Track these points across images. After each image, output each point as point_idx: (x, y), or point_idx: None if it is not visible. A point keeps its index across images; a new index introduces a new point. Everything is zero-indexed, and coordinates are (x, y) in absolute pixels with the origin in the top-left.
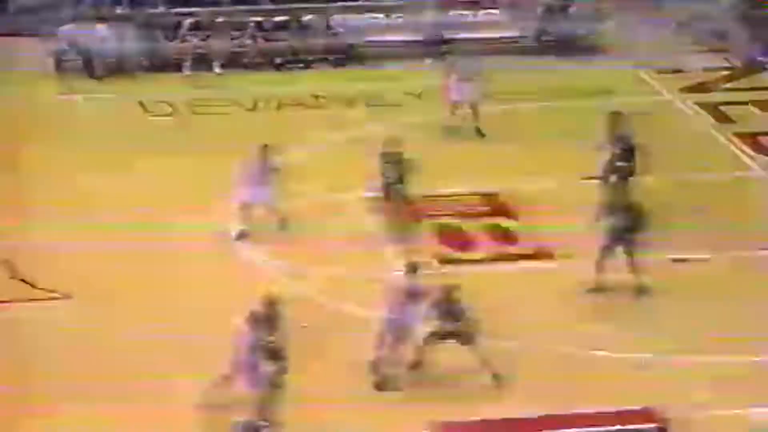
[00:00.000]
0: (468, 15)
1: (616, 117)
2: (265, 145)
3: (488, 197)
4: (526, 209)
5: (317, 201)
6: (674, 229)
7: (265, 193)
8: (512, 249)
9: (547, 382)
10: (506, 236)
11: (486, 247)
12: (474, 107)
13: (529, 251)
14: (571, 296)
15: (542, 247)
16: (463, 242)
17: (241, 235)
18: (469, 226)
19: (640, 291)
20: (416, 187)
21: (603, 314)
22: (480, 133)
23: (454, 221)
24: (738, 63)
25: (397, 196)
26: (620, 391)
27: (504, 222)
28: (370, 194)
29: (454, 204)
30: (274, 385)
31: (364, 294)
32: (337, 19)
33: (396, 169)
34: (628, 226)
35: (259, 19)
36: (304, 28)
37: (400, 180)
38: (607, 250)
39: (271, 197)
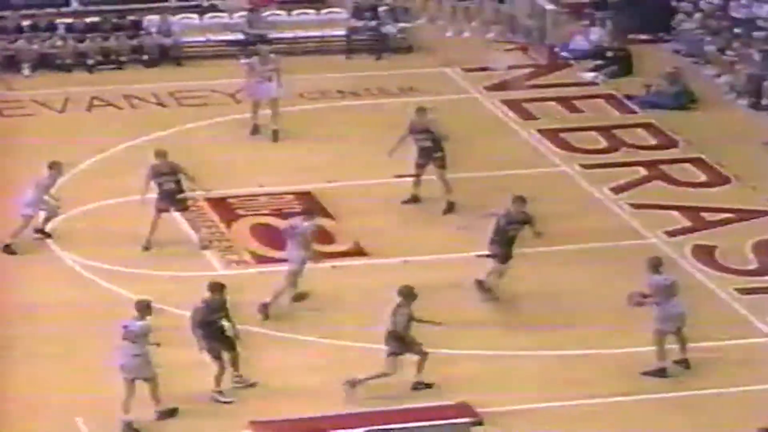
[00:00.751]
0: (282, 14)
1: (421, 112)
2: (54, 163)
3: (302, 196)
4: (339, 207)
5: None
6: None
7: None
8: (328, 247)
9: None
10: (321, 234)
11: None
12: (273, 107)
13: (344, 249)
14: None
15: (357, 244)
16: (278, 241)
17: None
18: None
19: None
20: (223, 186)
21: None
22: (275, 135)
23: (268, 220)
24: (541, 60)
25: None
26: (436, 386)
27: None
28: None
29: (267, 203)
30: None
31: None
32: (150, 19)
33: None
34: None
35: (69, 20)
36: (116, 28)
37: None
38: None
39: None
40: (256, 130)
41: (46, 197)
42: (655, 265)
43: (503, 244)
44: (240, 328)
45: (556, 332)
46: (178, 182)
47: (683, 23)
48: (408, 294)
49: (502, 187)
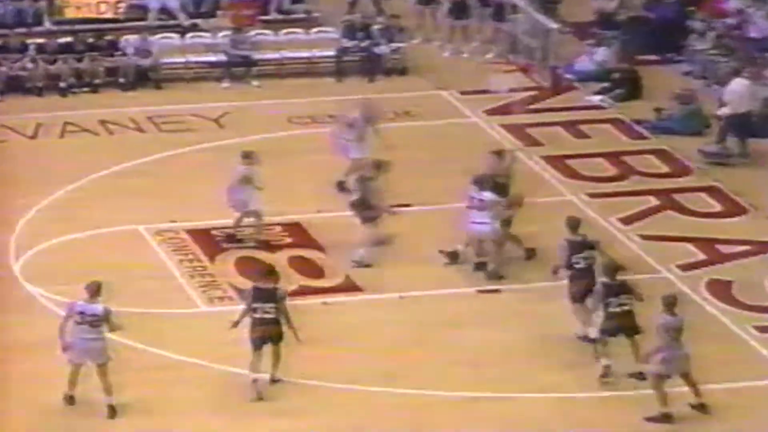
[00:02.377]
0: (268, 34)
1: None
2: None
3: (290, 227)
4: (329, 238)
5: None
6: None
7: None
8: (318, 282)
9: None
10: (311, 268)
11: (291, 280)
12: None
13: (335, 283)
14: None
15: (348, 278)
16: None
17: None
18: (272, 258)
19: None
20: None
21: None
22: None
23: (256, 253)
24: (544, 82)
25: None
26: None
27: (308, 254)
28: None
29: (254, 235)
30: None
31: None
32: (127, 39)
33: None
34: None
35: (41, 40)
36: (90, 49)
37: None
38: None
39: None
40: (340, 186)
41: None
42: (671, 303)
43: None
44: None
45: (561, 373)
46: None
47: (695, 43)
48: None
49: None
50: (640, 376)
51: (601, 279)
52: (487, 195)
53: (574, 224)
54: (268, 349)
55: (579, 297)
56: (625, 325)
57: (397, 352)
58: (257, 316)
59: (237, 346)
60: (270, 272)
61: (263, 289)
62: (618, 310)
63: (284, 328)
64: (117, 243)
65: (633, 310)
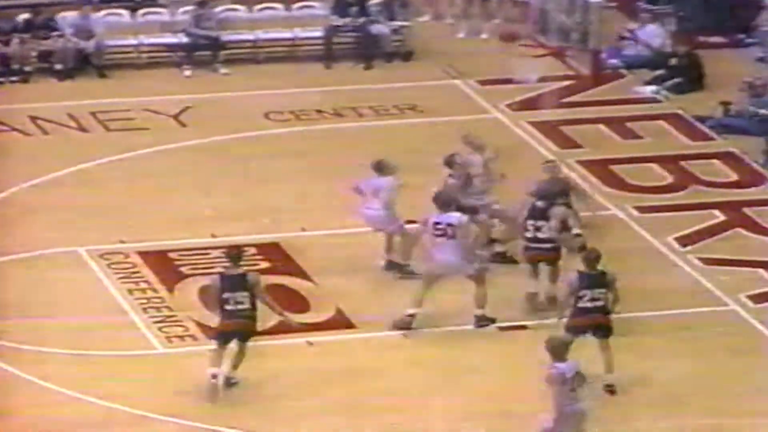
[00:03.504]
0: (240, 10)
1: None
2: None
3: (267, 248)
4: (316, 263)
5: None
6: None
7: None
8: (302, 316)
9: None
10: (294, 300)
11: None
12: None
13: (324, 318)
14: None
15: (340, 312)
16: None
17: None
18: None
19: None
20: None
21: None
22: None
23: None
24: (583, 70)
25: None
26: None
27: (290, 281)
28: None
29: (222, 259)
30: None
31: None
32: (65, 17)
33: None
34: None
35: None
36: (20, 28)
37: None
38: None
39: None
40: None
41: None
42: (560, 351)
43: None
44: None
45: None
46: None
47: None
48: None
49: None
50: (610, 389)
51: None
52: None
53: (592, 260)
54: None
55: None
56: (595, 324)
57: (401, 402)
58: (229, 308)
59: (200, 396)
60: (238, 256)
61: (232, 276)
62: (590, 305)
63: (257, 325)
64: (52, 269)
65: (607, 307)
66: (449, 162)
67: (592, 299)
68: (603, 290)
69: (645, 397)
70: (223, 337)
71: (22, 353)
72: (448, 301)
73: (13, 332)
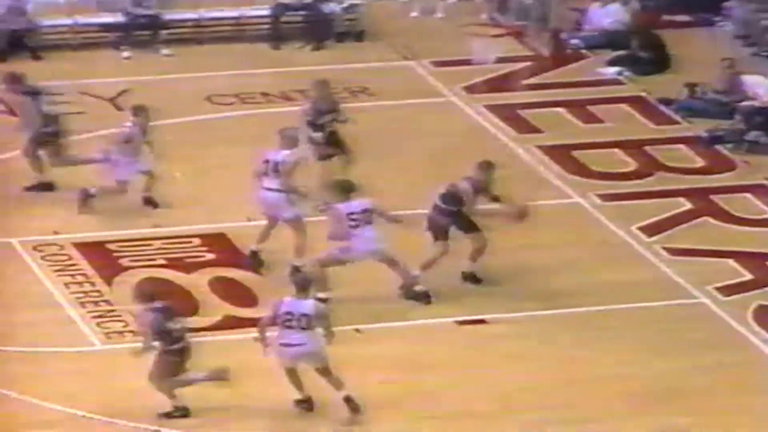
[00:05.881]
0: None
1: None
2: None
3: (212, 239)
4: (264, 253)
5: None
6: None
7: None
8: (248, 311)
9: None
10: (240, 294)
11: (213, 309)
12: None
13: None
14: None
15: None
16: (181, 303)
17: None
18: (188, 280)
19: None
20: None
21: None
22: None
23: (167, 273)
24: (543, 50)
25: None
26: None
27: (236, 274)
28: None
29: (164, 250)
30: None
31: None
32: None
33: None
34: None
35: None
36: None
37: None
38: None
39: None
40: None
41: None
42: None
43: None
44: None
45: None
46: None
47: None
48: None
49: (492, 226)
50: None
51: None
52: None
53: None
54: None
55: None
56: None
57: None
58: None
59: (142, 395)
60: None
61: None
62: None
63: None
64: None
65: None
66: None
67: None
68: None
69: (614, 393)
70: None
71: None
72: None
73: None
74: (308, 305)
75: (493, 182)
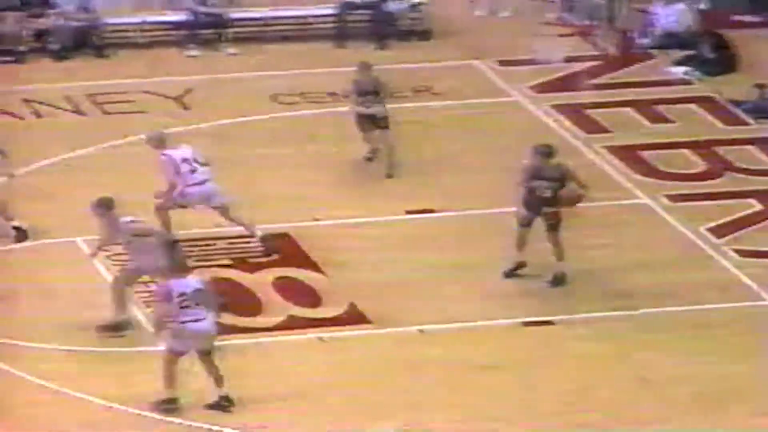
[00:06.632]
0: None
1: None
2: None
3: (276, 239)
4: (328, 254)
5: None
6: None
7: None
8: (313, 311)
9: None
10: (304, 294)
11: (276, 309)
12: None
13: (336, 313)
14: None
15: (353, 306)
16: (245, 303)
17: None
18: (252, 279)
19: None
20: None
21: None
22: None
23: (231, 273)
24: (610, 49)
25: None
26: None
27: (300, 274)
28: None
29: (228, 250)
30: None
31: None
32: None
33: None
34: None
35: None
36: (15, 7)
37: None
38: None
39: None
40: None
41: None
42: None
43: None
44: None
45: None
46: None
47: None
48: None
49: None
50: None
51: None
52: None
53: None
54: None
55: None
56: None
57: (416, 401)
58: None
59: (201, 395)
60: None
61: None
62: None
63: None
64: (48, 260)
65: None
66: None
67: None
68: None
69: (680, 396)
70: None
71: (15, 349)
72: (465, 297)
73: (5, 327)
74: (196, 280)
75: (551, 167)
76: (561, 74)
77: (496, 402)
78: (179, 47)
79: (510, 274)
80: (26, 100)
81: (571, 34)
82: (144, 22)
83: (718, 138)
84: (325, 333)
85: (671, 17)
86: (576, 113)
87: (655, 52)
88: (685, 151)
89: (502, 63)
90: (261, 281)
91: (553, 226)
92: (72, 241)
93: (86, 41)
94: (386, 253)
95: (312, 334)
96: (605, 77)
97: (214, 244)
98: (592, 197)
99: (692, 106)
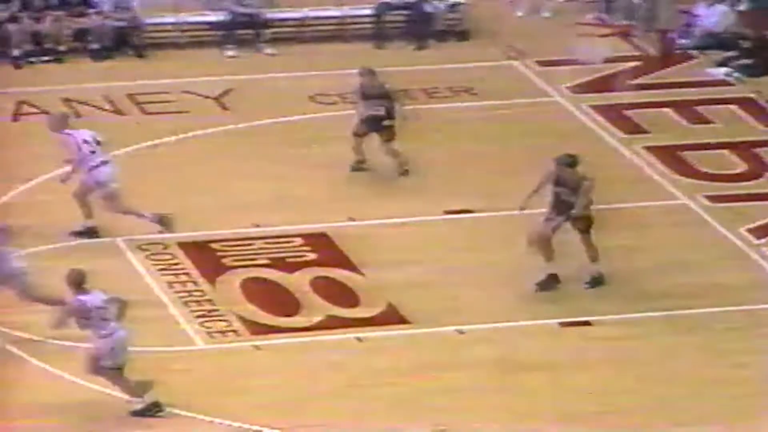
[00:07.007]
0: None
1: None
2: None
3: (313, 239)
4: (366, 255)
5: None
6: None
7: None
8: (350, 311)
9: None
10: (342, 294)
11: (314, 309)
12: None
13: (374, 313)
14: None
15: (392, 307)
16: (283, 303)
17: None
18: (291, 280)
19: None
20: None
21: None
22: None
23: (269, 273)
24: (650, 50)
25: None
26: None
27: (338, 274)
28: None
29: (266, 250)
30: None
31: None
32: None
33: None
34: None
35: None
36: (55, 6)
37: None
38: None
39: None
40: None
41: None
42: (78, 282)
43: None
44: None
45: None
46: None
47: None
48: None
49: (598, 226)
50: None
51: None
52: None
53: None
54: None
55: None
56: None
57: (453, 402)
58: None
59: (244, 394)
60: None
61: None
62: None
63: None
64: (87, 260)
65: None
66: None
67: None
68: None
69: (720, 398)
70: None
71: (50, 347)
72: (503, 298)
73: (42, 325)
74: (103, 293)
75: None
76: (600, 75)
77: (533, 402)
78: (218, 47)
79: (544, 286)
80: (66, 100)
81: (611, 35)
82: (183, 22)
83: (758, 139)
84: (363, 333)
85: (712, 18)
86: (615, 114)
87: (695, 53)
88: (725, 151)
89: (542, 63)
90: (299, 281)
91: (583, 230)
92: (112, 240)
93: (126, 41)
94: (424, 253)
95: (350, 334)
96: (645, 78)
97: (252, 244)
98: (626, 200)
99: (732, 107)
